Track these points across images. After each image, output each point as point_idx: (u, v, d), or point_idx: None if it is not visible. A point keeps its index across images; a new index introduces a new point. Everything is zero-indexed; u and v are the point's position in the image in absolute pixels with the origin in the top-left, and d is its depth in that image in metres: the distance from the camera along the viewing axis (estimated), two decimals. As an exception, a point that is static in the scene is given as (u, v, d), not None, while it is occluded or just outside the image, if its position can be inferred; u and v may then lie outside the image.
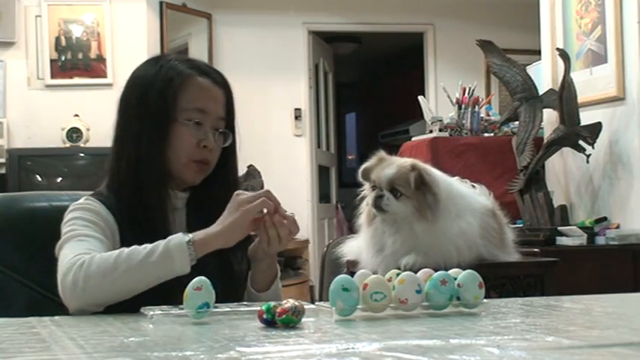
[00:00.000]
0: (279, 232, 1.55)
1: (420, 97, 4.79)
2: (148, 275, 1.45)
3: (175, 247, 1.46)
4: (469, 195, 2.28)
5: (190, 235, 1.48)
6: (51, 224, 1.66)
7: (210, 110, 1.68)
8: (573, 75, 3.80)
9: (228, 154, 1.74)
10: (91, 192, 1.72)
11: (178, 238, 1.48)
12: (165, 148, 1.65)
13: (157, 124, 1.65)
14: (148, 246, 1.47)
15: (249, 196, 1.52)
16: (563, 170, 4.19)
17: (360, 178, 2.22)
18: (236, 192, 1.54)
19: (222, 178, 1.73)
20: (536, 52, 4.51)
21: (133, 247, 1.48)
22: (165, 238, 1.50)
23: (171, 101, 1.65)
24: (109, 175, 1.71)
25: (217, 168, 1.72)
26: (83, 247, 1.52)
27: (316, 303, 1.35)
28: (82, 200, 1.66)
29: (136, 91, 1.70)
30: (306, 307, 1.25)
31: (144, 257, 1.45)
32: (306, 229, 6.41)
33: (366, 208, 2.22)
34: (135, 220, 1.62)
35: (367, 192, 2.21)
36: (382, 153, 2.23)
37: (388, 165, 2.15)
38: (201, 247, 1.48)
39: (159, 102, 1.65)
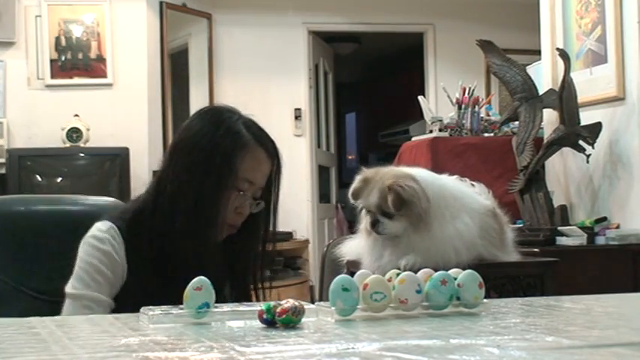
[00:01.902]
0: None
1: (420, 97, 4.78)
2: None
3: None
4: (467, 195, 2.28)
5: None
6: (30, 227, 1.81)
7: (257, 182, 1.78)
8: (573, 75, 3.80)
9: (257, 215, 1.83)
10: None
11: None
12: (212, 208, 1.74)
13: (217, 185, 1.74)
14: None
15: None
16: (563, 170, 4.19)
17: (352, 201, 2.27)
18: None
19: (245, 235, 1.84)
20: (536, 52, 4.51)
21: None
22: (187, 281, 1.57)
23: (233, 170, 1.75)
24: (144, 206, 1.78)
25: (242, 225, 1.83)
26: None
27: (316, 303, 1.35)
28: (98, 230, 1.74)
29: (199, 146, 1.76)
30: (306, 307, 1.24)
31: None
32: (306, 229, 6.41)
33: (364, 220, 2.26)
34: (159, 261, 1.73)
35: (362, 213, 2.27)
36: (365, 172, 2.26)
37: (372, 189, 2.20)
38: None
39: (222, 167, 1.74)
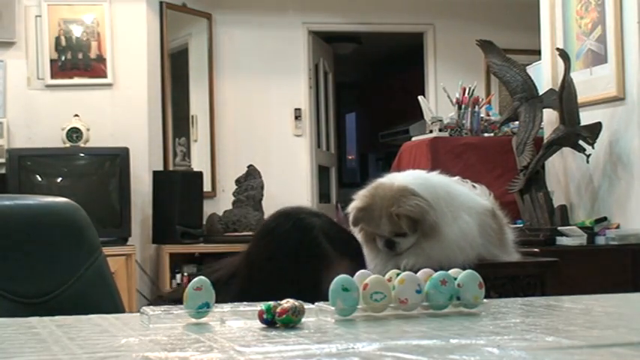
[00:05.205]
0: None
1: (420, 97, 4.79)
2: None
3: None
4: (462, 193, 2.28)
5: None
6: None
7: None
8: (573, 75, 3.80)
9: None
10: None
11: None
12: None
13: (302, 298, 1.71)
14: None
15: None
16: (563, 170, 4.19)
17: (352, 228, 2.28)
18: None
19: None
20: (536, 52, 4.51)
21: None
22: None
23: (320, 290, 1.68)
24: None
25: None
26: None
27: (316, 303, 1.35)
28: None
29: (283, 255, 1.75)
30: (306, 307, 1.24)
31: None
32: (306, 229, 6.40)
33: (359, 234, 2.28)
34: None
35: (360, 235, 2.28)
36: (359, 200, 2.26)
37: (378, 218, 2.21)
38: None
39: (307, 290, 1.67)
